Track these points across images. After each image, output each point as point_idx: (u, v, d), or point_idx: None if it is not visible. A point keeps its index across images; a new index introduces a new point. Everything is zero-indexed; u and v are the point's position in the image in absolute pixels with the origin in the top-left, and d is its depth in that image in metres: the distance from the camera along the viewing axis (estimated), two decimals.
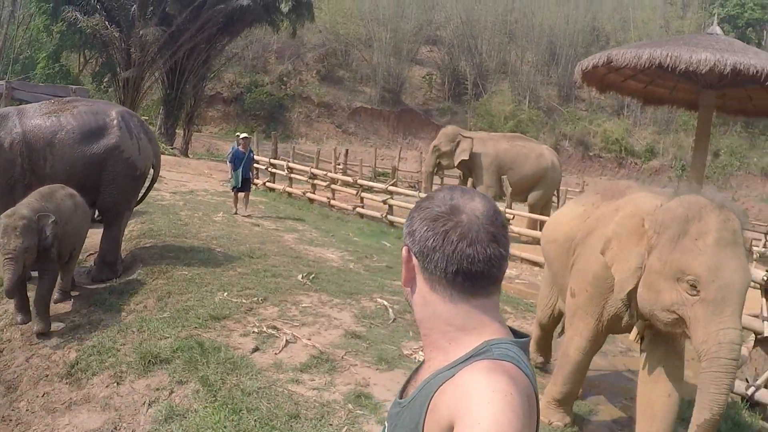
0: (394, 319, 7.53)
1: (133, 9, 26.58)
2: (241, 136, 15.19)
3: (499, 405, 1.23)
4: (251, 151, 15.40)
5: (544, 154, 16.45)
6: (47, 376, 6.04)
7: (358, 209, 17.09)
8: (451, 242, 1.41)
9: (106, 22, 26.69)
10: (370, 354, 6.21)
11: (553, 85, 49.62)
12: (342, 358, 6.03)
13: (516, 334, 1.49)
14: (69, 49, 33.67)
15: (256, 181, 19.31)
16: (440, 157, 16.72)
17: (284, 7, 30.13)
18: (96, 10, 26.89)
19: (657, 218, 4.53)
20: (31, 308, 7.27)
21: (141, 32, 26.63)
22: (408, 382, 1.61)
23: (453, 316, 1.45)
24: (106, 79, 32.01)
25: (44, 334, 7.01)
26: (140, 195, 10.00)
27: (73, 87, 22.96)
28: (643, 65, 13.38)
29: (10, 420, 5.40)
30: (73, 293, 8.19)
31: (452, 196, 1.46)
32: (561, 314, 6.26)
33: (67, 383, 5.87)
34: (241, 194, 14.67)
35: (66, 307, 7.79)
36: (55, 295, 7.82)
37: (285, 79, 47.48)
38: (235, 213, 14.24)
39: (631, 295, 4.67)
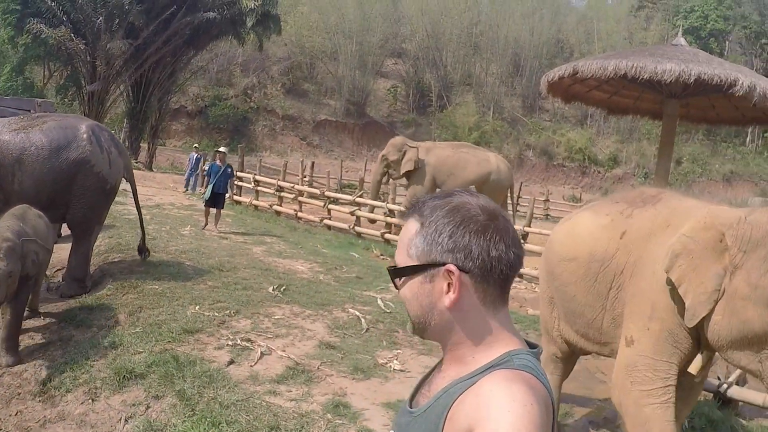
0: (367, 329, 7.56)
1: (99, 21, 26.32)
2: (219, 149, 15.02)
3: (519, 414, 1.25)
4: (229, 167, 14.79)
5: (488, 159, 16.80)
6: (19, 394, 5.94)
7: (326, 221, 17.09)
8: (507, 248, 1.44)
9: (72, 35, 26.41)
10: (346, 364, 6.23)
11: (518, 96, 50.14)
12: (318, 368, 6.05)
13: (529, 345, 1.50)
14: (33, 62, 33.23)
15: None
16: (388, 167, 17.16)
17: (249, 21, 30.08)
18: (62, 22, 26.58)
19: (743, 233, 3.85)
20: None
21: (107, 45, 26.42)
22: (417, 390, 1.60)
23: (489, 328, 1.46)
24: (70, 93, 31.65)
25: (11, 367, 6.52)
26: (116, 209, 9.89)
27: (39, 100, 22.57)
28: (608, 76, 13.57)
29: None
30: (41, 309, 7.98)
31: (469, 200, 1.47)
32: (567, 342, 5.21)
33: (40, 401, 5.78)
34: (214, 210, 14.26)
35: (36, 323, 7.57)
36: (27, 311, 7.42)
37: (249, 92, 47.37)
38: (205, 227, 14.02)
39: (702, 322, 3.95)
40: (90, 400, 5.54)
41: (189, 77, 38.21)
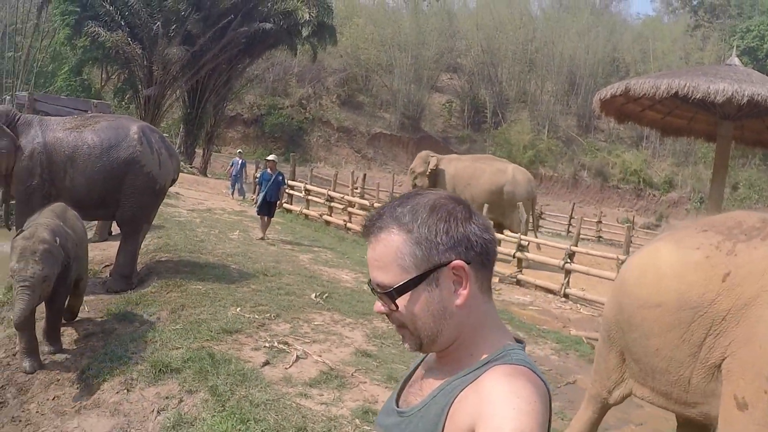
0: None
1: (156, 27, 26.90)
2: (267, 158, 15.06)
3: (522, 410, 1.24)
4: (280, 174, 14.56)
5: (504, 171, 16.80)
6: (58, 380, 6.10)
7: None
8: (491, 231, 1.45)
9: (129, 39, 27.03)
10: (380, 372, 6.22)
11: (573, 115, 49.71)
12: (352, 375, 6.05)
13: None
14: (91, 64, 34.09)
15: None
16: (415, 179, 17.69)
17: (305, 31, 30.40)
18: (119, 26, 27.24)
19: None
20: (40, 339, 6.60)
21: (164, 51, 26.96)
22: (402, 389, 1.58)
23: (486, 319, 1.46)
24: (127, 96, 32.37)
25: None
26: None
27: (95, 101, 23.16)
28: (660, 95, 13.39)
29: (20, 421, 5.46)
30: (81, 313, 8.05)
31: (435, 194, 1.46)
32: (632, 395, 4.38)
33: (77, 388, 5.92)
34: (266, 218, 14.10)
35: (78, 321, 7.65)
36: (62, 320, 7.27)
37: (305, 102, 47.85)
38: (261, 238, 13.81)
39: None
40: (125, 390, 5.65)
41: (245, 85, 38.79)
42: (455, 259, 1.38)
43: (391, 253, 1.40)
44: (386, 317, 1.45)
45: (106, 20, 27.33)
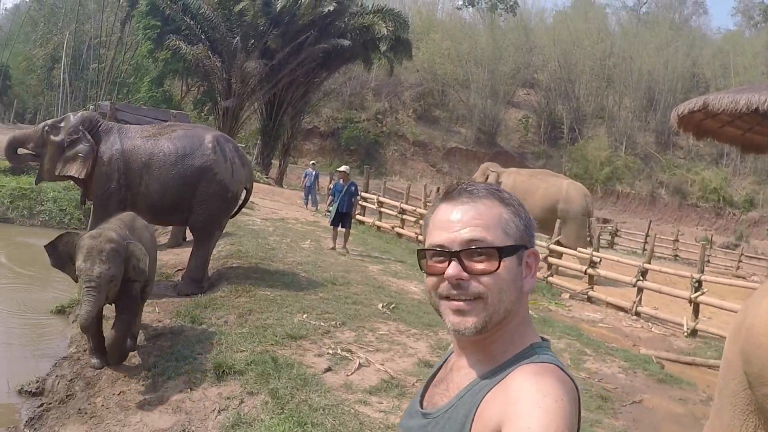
0: None
1: (235, 41, 27.55)
2: (339, 169, 15.07)
3: (550, 409, 1.22)
4: (353, 185, 14.41)
5: (558, 187, 16.59)
6: (125, 376, 6.27)
7: None
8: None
9: (209, 52, 27.77)
10: None
11: (651, 132, 48.66)
12: (413, 384, 6.03)
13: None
14: (172, 76, 35.10)
15: None
16: None
17: (383, 46, 30.65)
18: (199, 40, 28.02)
19: None
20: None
21: (243, 64, 27.53)
22: (425, 390, 1.56)
23: (527, 314, 1.47)
24: (206, 107, 33.20)
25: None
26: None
27: (174, 111, 23.90)
28: (740, 110, 12.87)
29: (85, 413, 5.62)
30: (152, 315, 8.23)
31: (490, 185, 1.49)
32: None
33: (143, 384, 6.07)
34: (341, 229, 14.01)
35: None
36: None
37: (381, 116, 48.18)
38: (333, 248, 13.75)
39: None
40: (188, 389, 5.77)
41: (321, 99, 39.31)
42: (531, 247, 1.43)
43: (495, 216, 1.40)
44: (454, 287, 1.36)
45: (186, 34, 28.16)
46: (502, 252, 1.36)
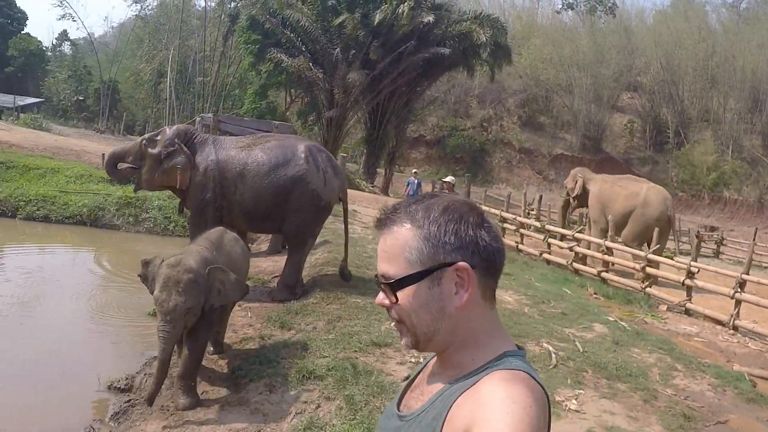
0: (556, 365, 7.36)
1: (336, 52, 28.02)
2: (445, 179, 14.89)
3: (518, 416, 1.24)
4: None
5: (636, 193, 16.14)
6: (210, 377, 6.53)
7: (545, 255, 16.84)
8: (500, 240, 1.47)
9: (310, 64, 28.35)
10: None
11: (757, 134, 46.32)
12: None
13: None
14: (275, 88, 36.00)
15: None
16: (567, 195, 18.31)
17: (483, 53, 30.50)
18: (301, 52, 28.65)
19: None
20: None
21: (345, 75, 27.96)
22: (404, 393, 1.61)
23: (488, 326, 1.47)
24: (310, 118, 33.88)
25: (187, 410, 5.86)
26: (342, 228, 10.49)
27: (276, 122, 24.48)
28: None
29: (167, 410, 5.88)
30: (243, 319, 8.49)
31: (451, 198, 1.49)
32: None
33: (225, 385, 6.31)
34: None
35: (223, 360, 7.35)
36: (210, 348, 7.00)
37: (486, 124, 47.98)
38: None
39: None
40: (268, 392, 5.95)
41: (425, 107, 39.44)
42: (460, 261, 1.39)
43: (399, 245, 1.42)
44: (387, 312, 1.48)
45: (287, 47, 28.89)
46: (395, 286, 1.41)
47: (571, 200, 18.21)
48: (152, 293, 5.97)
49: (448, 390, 1.41)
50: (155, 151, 9.49)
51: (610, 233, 15.51)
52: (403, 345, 1.50)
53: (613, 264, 14.78)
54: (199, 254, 6.14)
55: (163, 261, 6.00)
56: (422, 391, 1.52)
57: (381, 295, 1.47)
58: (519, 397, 1.27)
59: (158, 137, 9.70)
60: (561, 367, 7.35)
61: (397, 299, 1.42)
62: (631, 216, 15.76)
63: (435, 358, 1.57)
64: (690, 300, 12.35)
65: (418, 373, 1.64)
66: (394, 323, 1.50)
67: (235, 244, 7.20)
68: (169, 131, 9.70)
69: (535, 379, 1.36)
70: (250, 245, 13.53)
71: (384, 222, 1.46)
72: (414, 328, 1.44)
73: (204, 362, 6.47)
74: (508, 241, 18.42)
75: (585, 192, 17.39)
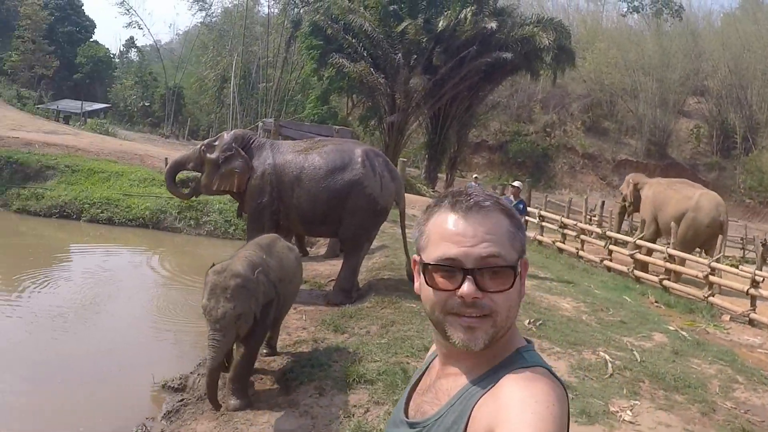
0: (612, 374, 7.22)
1: (398, 58, 28.09)
2: (513, 183, 14.70)
3: (541, 415, 1.24)
4: (521, 202, 13.81)
5: (689, 198, 15.82)
6: (261, 379, 6.61)
7: (606, 262, 16.54)
8: None
9: (372, 69, 28.48)
10: (573, 405, 6.01)
11: None
12: None
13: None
14: (336, 93, 36.27)
15: None
16: (623, 200, 18.33)
17: (546, 57, 30.22)
18: (362, 58, 28.84)
19: None
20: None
21: (410, 81, 28.00)
22: (409, 398, 1.56)
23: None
24: (372, 123, 34.02)
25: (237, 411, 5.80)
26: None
27: (337, 127, 24.68)
28: None
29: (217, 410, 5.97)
30: (298, 322, 8.54)
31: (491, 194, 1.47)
32: None
33: (276, 387, 6.38)
34: None
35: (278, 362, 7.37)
36: (264, 350, 7.00)
37: (549, 129, 47.50)
38: None
39: None
40: (318, 395, 5.97)
41: (487, 112, 39.25)
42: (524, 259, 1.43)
43: (504, 230, 1.39)
44: (468, 305, 1.34)
45: (349, 52, 29.10)
46: (515, 270, 1.37)
47: (627, 206, 18.14)
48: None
49: (468, 391, 1.38)
50: (213, 156, 9.68)
51: (672, 240, 15.20)
52: (470, 346, 1.36)
53: (675, 272, 14.43)
54: (247, 259, 5.97)
55: (211, 268, 5.83)
56: (436, 395, 1.47)
57: (472, 287, 1.34)
58: (541, 395, 1.27)
59: (216, 142, 9.91)
60: (617, 377, 7.21)
61: (512, 285, 1.37)
62: (683, 220, 15.49)
63: (437, 358, 1.54)
64: (754, 310, 11.98)
65: (421, 376, 1.60)
66: (469, 319, 1.36)
67: (289, 252, 7.04)
68: (227, 136, 9.90)
69: (553, 374, 1.36)
70: (309, 249, 13.68)
71: (477, 202, 1.40)
72: (504, 321, 1.38)
73: (256, 364, 6.53)
74: (569, 247, 18.19)
75: (638, 196, 17.30)
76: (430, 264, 1.38)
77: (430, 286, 1.39)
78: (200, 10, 56.67)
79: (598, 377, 7.07)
